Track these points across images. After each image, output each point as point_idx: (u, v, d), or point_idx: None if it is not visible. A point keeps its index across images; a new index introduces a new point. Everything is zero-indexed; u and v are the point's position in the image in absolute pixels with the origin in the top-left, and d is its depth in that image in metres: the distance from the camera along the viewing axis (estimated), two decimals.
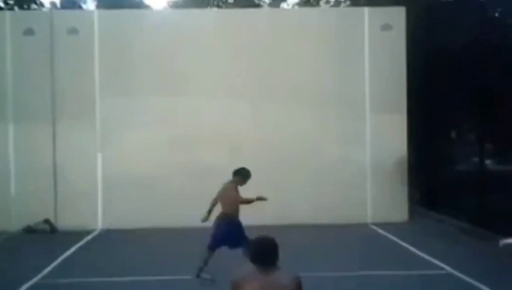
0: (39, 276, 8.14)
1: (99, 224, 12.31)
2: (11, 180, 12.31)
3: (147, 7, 22.96)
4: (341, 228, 11.44)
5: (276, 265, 3.58)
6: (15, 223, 11.92)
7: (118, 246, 10.42)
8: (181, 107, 12.52)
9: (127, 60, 12.57)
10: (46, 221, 12.02)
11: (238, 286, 3.52)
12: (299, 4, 21.90)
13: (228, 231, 7.75)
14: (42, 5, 21.06)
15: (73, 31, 12.48)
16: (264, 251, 3.58)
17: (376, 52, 12.63)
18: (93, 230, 11.96)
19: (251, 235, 10.05)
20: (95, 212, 12.33)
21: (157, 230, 11.35)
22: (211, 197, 8.10)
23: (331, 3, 20.64)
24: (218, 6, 23.01)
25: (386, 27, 12.69)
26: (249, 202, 7.96)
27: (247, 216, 11.53)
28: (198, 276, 7.73)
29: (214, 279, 7.55)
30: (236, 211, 7.90)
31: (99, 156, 12.48)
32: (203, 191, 12.18)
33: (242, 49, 12.63)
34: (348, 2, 19.68)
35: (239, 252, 7.44)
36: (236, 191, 7.97)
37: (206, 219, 7.99)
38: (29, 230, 11.87)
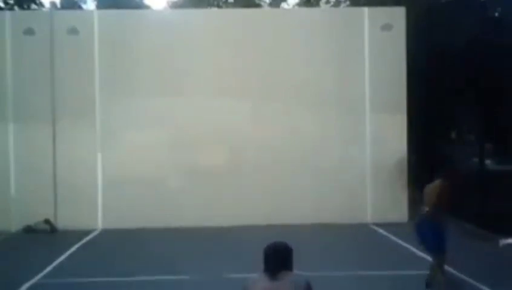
0: (39, 276, 8.13)
1: (99, 224, 12.31)
2: (11, 180, 12.31)
3: (147, 7, 22.95)
4: (341, 227, 11.44)
5: (288, 270, 3.60)
6: (15, 223, 11.94)
7: (118, 246, 10.41)
8: (181, 107, 12.52)
9: (127, 60, 12.57)
10: (46, 221, 12.02)
11: (246, 289, 3.60)
12: (299, 4, 21.88)
13: (421, 234, 7.16)
14: (42, 5, 21.04)
15: (73, 31, 12.49)
16: (272, 257, 3.61)
17: (376, 52, 12.62)
18: (93, 230, 11.95)
19: (249, 235, 10.12)
20: (95, 212, 12.33)
21: (157, 230, 11.36)
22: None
23: (331, 3, 20.61)
24: (218, 6, 23.00)
25: (386, 27, 12.68)
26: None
27: (247, 216, 11.72)
28: None
29: None
30: (437, 210, 7.06)
31: (99, 156, 12.48)
32: (202, 191, 12.42)
33: (242, 49, 12.64)
34: (348, 2, 19.66)
35: None
36: (441, 189, 7.14)
37: None
38: (29, 230, 11.87)
